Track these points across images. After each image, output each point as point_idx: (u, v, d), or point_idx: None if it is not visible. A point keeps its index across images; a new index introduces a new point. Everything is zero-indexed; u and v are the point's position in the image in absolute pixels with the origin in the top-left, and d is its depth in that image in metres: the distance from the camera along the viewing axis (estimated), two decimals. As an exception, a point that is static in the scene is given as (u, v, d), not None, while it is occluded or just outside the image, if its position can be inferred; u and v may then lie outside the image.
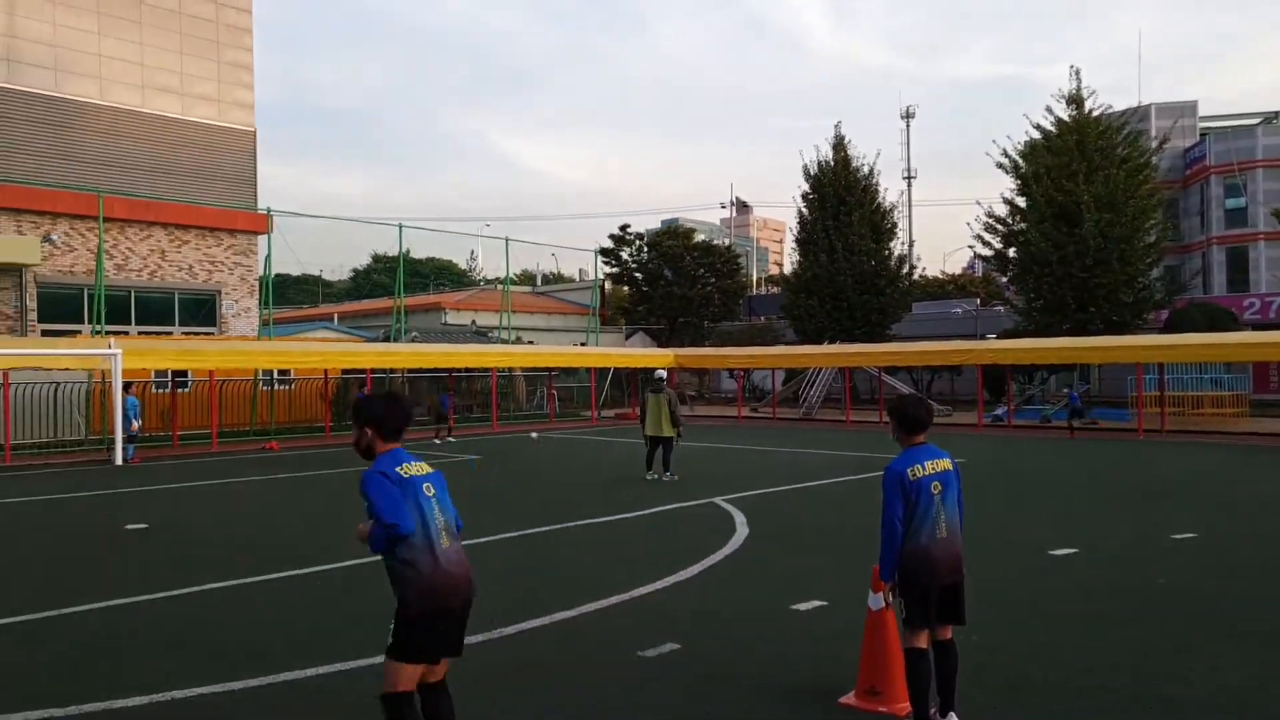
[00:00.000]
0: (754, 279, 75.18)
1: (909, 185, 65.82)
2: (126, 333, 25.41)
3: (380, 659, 3.73)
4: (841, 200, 36.83)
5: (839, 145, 37.83)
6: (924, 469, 4.44)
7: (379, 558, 3.75)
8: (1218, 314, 30.15)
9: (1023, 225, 31.88)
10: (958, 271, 61.20)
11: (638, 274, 50.07)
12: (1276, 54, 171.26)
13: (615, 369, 35.62)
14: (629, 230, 50.35)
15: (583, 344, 39.02)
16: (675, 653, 5.73)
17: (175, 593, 7.48)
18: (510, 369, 32.61)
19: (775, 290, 59.28)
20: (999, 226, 33.27)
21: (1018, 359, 26.18)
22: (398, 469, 3.70)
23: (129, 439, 19.13)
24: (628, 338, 47.06)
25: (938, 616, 4.41)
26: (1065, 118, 31.38)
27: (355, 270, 78.01)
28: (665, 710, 4.85)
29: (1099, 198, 29.38)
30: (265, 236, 29.14)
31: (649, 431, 14.62)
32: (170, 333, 27.35)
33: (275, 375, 27.47)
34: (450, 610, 3.69)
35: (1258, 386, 32.02)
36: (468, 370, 30.92)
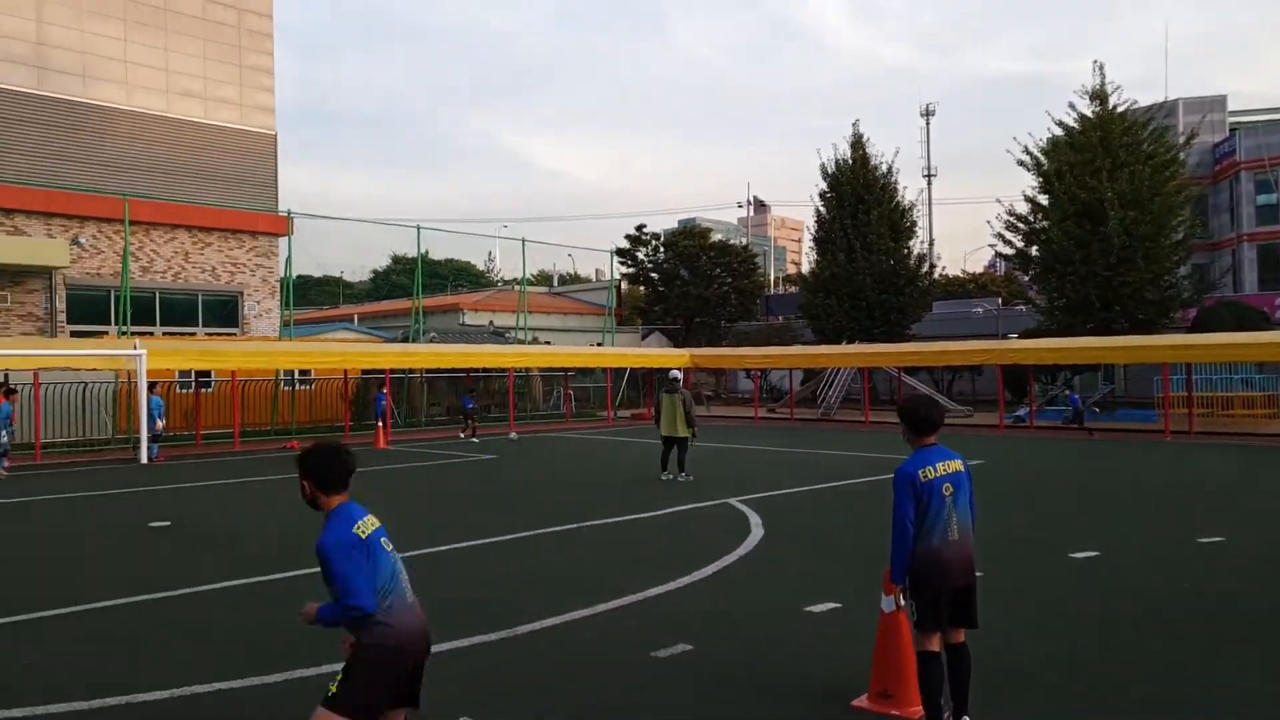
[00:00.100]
0: (771, 278, 75.02)
1: (929, 183, 65.48)
2: (151, 333, 25.73)
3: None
4: (860, 199, 36.71)
5: (857, 144, 37.72)
6: (936, 470, 4.43)
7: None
8: (1248, 313, 29.80)
9: (1045, 223, 31.64)
10: (978, 270, 60.85)
11: (654, 274, 50.12)
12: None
13: (631, 369, 35.69)
14: (645, 230, 50.42)
15: (599, 344, 39.11)
16: (688, 653, 5.77)
17: (197, 589, 7.61)
18: (527, 369, 32.75)
19: (793, 290, 59.16)
20: (1020, 225, 33.04)
21: (1040, 359, 25.98)
22: (354, 529, 3.48)
23: (154, 438, 19.38)
24: (644, 338, 47.11)
25: (950, 619, 4.41)
26: (1089, 114, 31.11)
27: (375, 271, 78.52)
28: (677, 710, 4.90)
29: (1124, 195, 29.10)
30: (286, 238, 29.42)
31: (664, 432, 14.65)
32: (194, 333, 27.67)
33: (296, 375, 27.73)
34: (411, 665, 3.51)
35: (1290, 387, 31.60)
36: (485, 370, 31.08)
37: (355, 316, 46.53)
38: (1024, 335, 32.17)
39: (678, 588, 7.49)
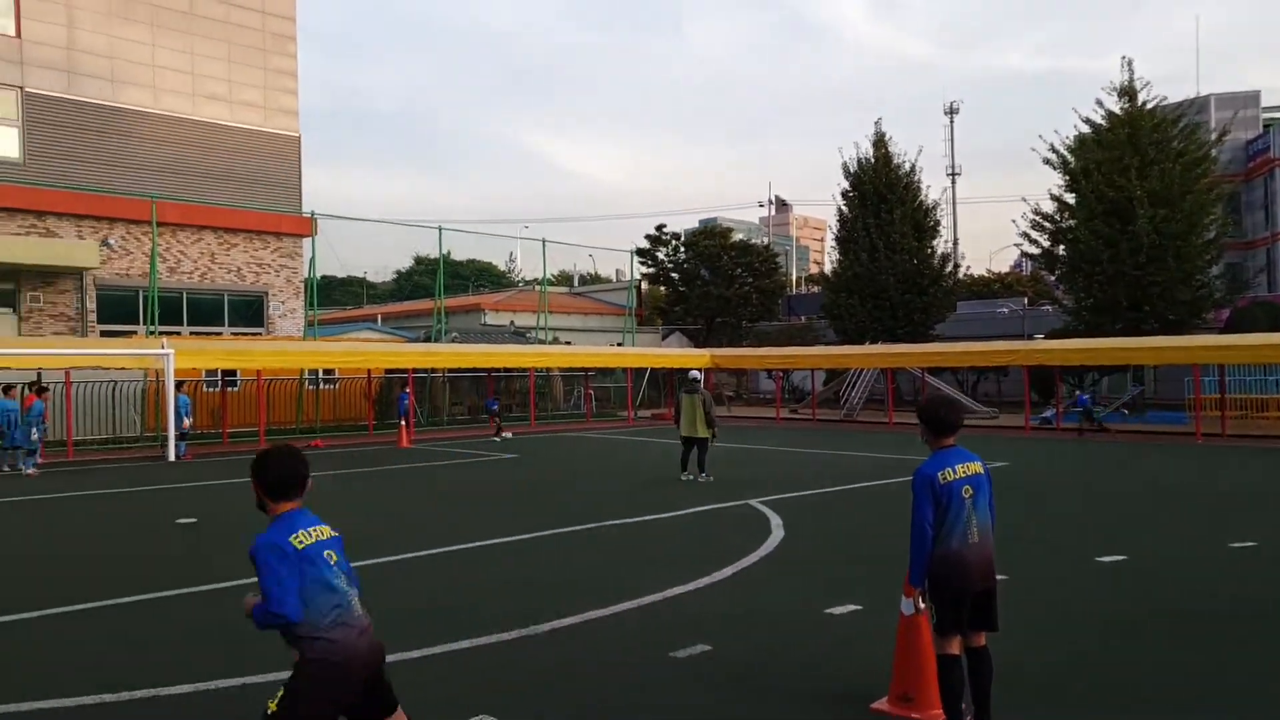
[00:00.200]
0: (794, 278, 74.74)
1: (953, 182, 65.01)
2: (179, 333, 26.02)
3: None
4: (882, 198, 36.50)
5: (879, 142, 37.50)
6: (955, 472, 4.40)
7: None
8: (1283, 313, 29.32)
9: (1072, 222, 31.31)
10: (1004, 270, 60.31)
11: (674, 274, 50.10)
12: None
13: (652, 369, 35.69)
14: (665, 230, 50.42)
15: (619, 344, 39.15)
16: (706, 654, 5.77)
17: (223, 585, 7.69)
18: (548, 369, 32.84)
19: (815, 289, 58.92)
20: (1047, 224, 32.69)
21: (1066, 359, 25.69)
22: (291, 538, 3.31)
23: (181, 436, 19.62)
24: (664, 338, 47.10)
25: (970, 622, 4.38)
26: (1117, 110, 30.74)
27: (398, 272, 78.99)
28: (695, 711, 4.89)
29: (1153, 193, 28.71)
30: (310, 239, 29.67)
31: (684, 432, 14.64)
32: (220, 333, 27.97)
33: (320, 375, 27.97)
34: (355, 684, 3.35)
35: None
36: (506, 370, 31.20)
37: (379, 316, 46.83)
38: (1050, 336, 31.86)
39: (697, 588, 7.48)
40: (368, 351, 26.09)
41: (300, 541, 3.32)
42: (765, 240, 63.40)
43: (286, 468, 3.47)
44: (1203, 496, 12.84)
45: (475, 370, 30.46)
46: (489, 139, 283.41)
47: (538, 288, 39.65)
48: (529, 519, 11.07)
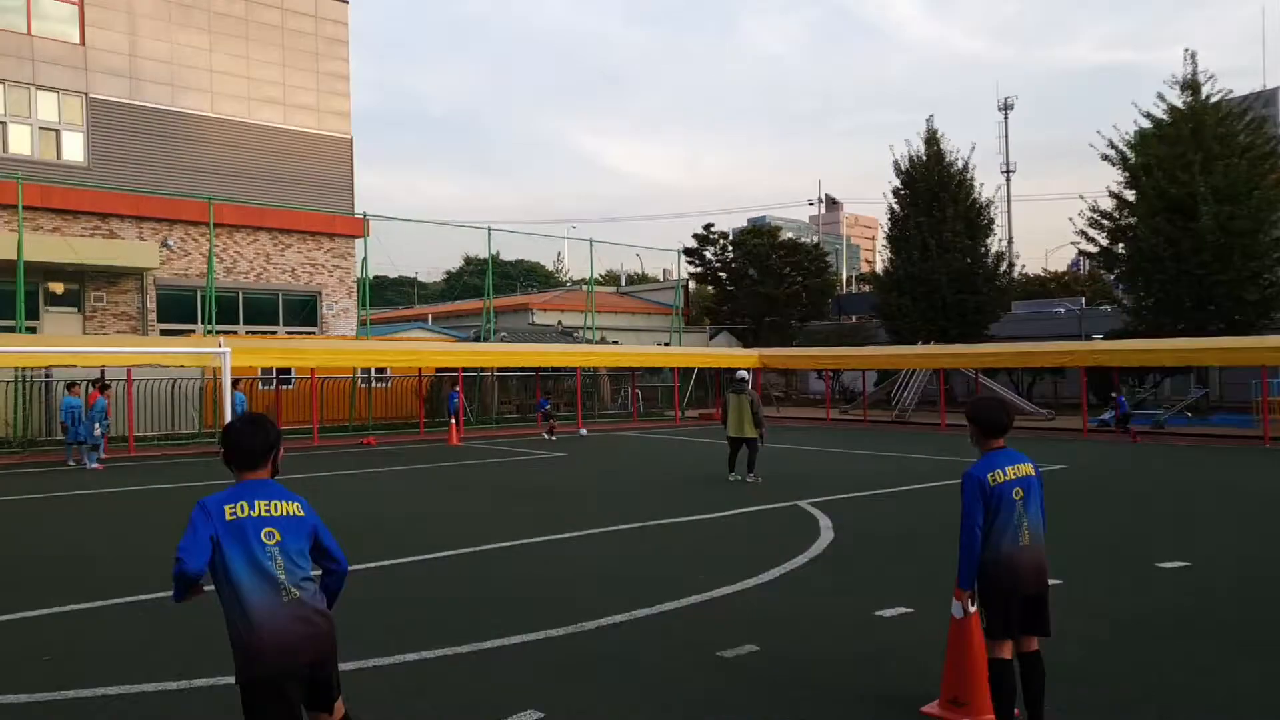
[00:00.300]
0: (844, 277, 74.00)
1: (1007, 180, 63.96)
2: (235, 332, 26.60)
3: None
4: (934, 196, 35.97)
5: (931, 139, 36.98)
6: (1005, 474, 4.32)
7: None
8: (1358, 312, 28.25)
9: (1132, 220, 30.54)
10: (1060, 269, 59.04)
11: (722, 273, 49.87)
12: None
13: (699, 369, 35.59)
14: (713, 229, 50.21)
15: (666, 344, 39.10)
16: (754, 654, 5.72)
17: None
18: (595, 368, 32.92)
19: (866, 289, 58.27)
20: (1105, 221, 31.94)
21: (1126, 360, 25.03)
22: (227, 506, 3.21)
23: (236, 434, 19.99)
24: (712, 338, 46.93)
25: (1022, 627, 4.30)
26: (1179, 105, 29.91)
27: (448, 272, 79.75)
28: (741, 710, 4.84)
29: (1218, 189, 27.86)
30: (362, 240, 30.11)
31: (731, 433, 14.55)
32: (275, 332, 28.51)
33: (373, 373, 28.37)
34: (285, 676, 3.18)
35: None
36: (554, 370, 31.35)
37: (429, 316, 47.37)
38: (1109, 336, 31.11)
39: (744, 588, 7.42)
40: (419, 350, 26.41)
41: (234, 513, 3.19)
42: (815, 239, 62.89)
43: (247, 439, 3.35)
44: (1271, 502, 12.41)
45: (523, 369, 30.66)
46: (538, 139, 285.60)
47: (585, 287, 39.77)
48: (576, 517, 11.09)
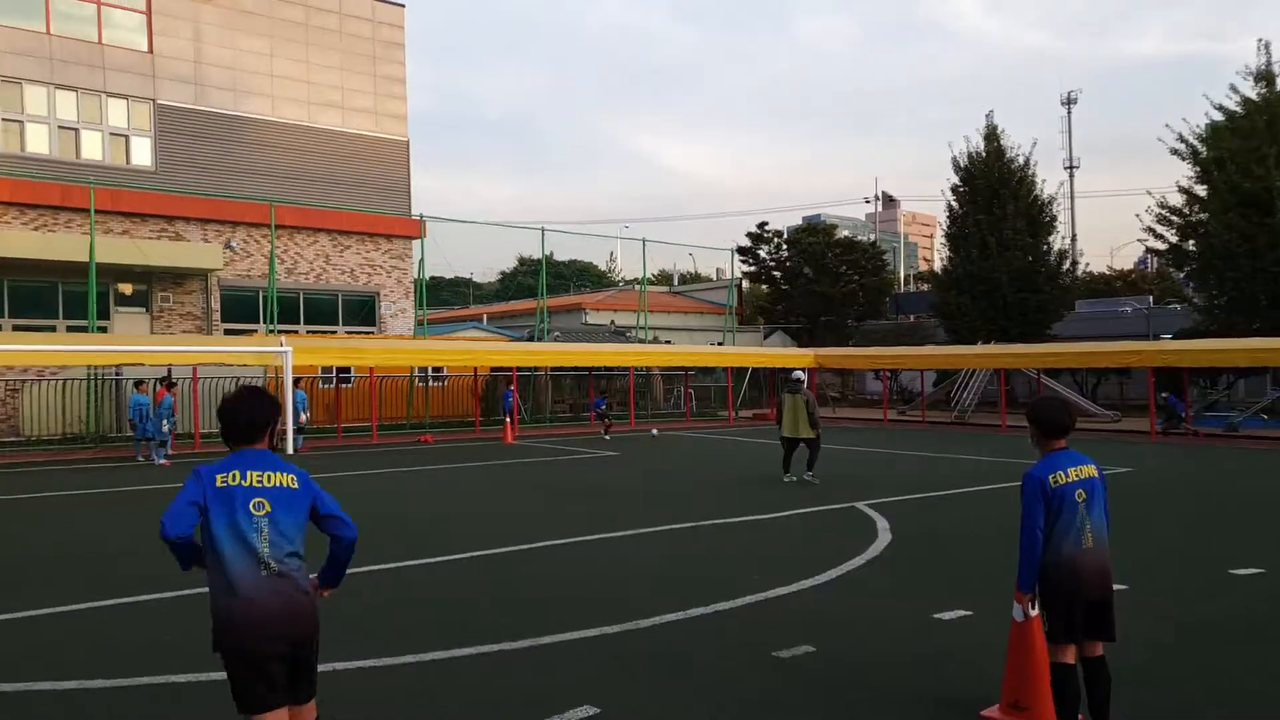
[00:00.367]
0: (901, 276, 72.97)
1: (1070, 175, 62.45)
2: (296, 331, 27.14)
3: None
4: (995, 193, 35.23)
5: (991, 135, 36.22)
6: (1067, 475, 4.21)
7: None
8: None
9: (1203, 216, 29.55)
10: (1127, 267, 57.45)
11: (776, 272, 49.47)
12: None
13: (753, 369, 35.35)
14: (767, 228, 49.83)
15: (719, 343, 38.93)
16: (810, 655, 5.64)
17: (351, 571, 7.91)
18: (647, 368, 32.91)
19: (924, 287, 57.37)
20: (1175, 218, 30.95)
21: (1196, 361, 24.17)
22: (219, 475, 3.20)
23: (298, 430, 20.42)
24: (766, 337, 46.60)
25: (1085, 631, 4.19)
26: (1253, 96, 28.87)
27: (503, 272, 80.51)
28: (797, 711, 4.79)
29: (1295, 183, 26.83)
30: (419, 241, 30.51)
31: (786, 433, 14.42)
32: (334, 332, 29.04)
33: (430, 372, 28.73)
34: (262, 651, 3.13)
35: None
36: (607, 369, 31.42)
37: (484, 316, 47.86)
38: (1179, 336, 30.16)
39: (800, 589, 7.33)
40: (474, 350, 26.68)
41: (225, 481, 3.19)
42: (872, 237, 62.11)
43: (242, 413, 3.32)
44: (1351, 506, 11.89)
45: (577, 369, 30.78)
46: (591, 139, 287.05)
47: (638, 287, 39.80)
48: (630, 516, 11.08)
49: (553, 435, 25.12)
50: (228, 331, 26.55)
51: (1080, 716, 4.25)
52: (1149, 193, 48.19)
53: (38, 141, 24.98)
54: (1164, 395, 25.18)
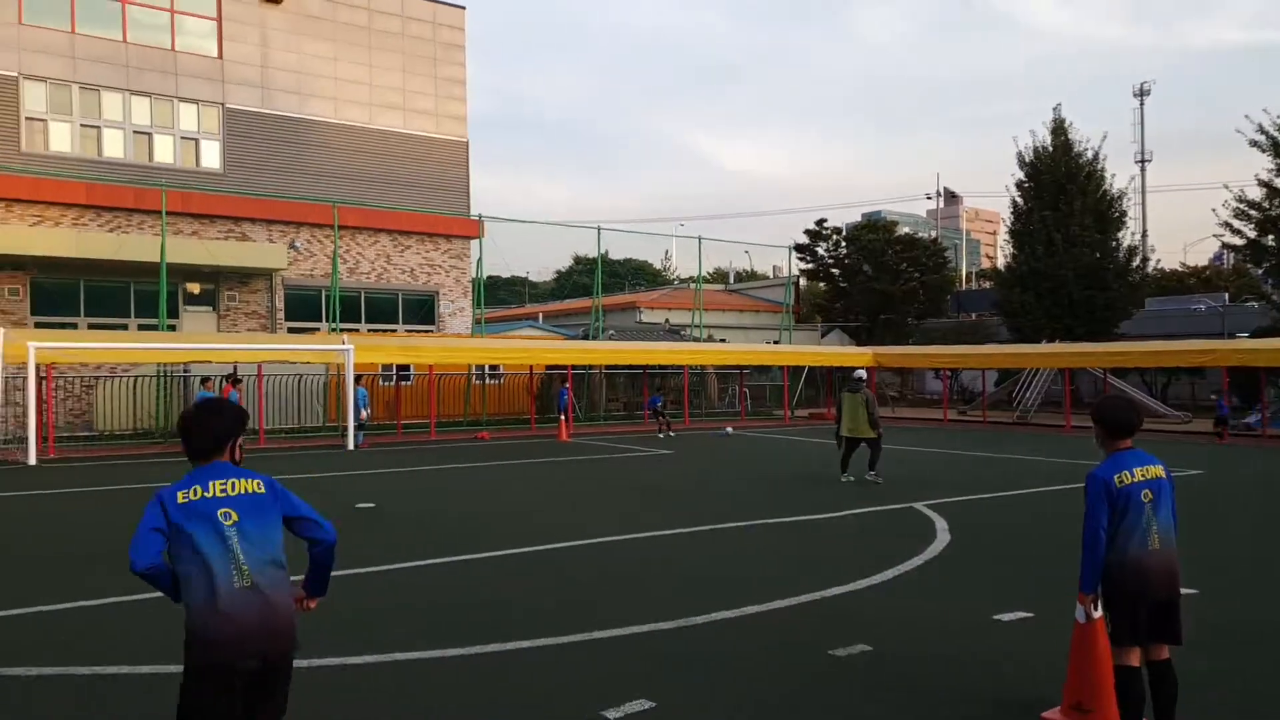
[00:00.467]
0: (963, 273, 71.62)
1: (1142, 169, 60.76)
2: (357, 330, 27.65)
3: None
4: (1061, 188, 34.38)
5: (1059, 129, 35.35)
6: (1133, 475, 4.11)
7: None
8: None
9: (1284, 209, 28.46)
10: (1201, 263, 55.61)
11: (834, 270, 48.92)
12: None
13: (810, 368, 35.03)
14: (825, 225, 49.27)
15: (776, 342, 38.63)
16: (866, 654, 5.58)
17: (400, 565, 8.08)
18: (702, 367, 32.80)
19: (986, 285, 56.24)
20: (1253, 212, 29.85)
21: (1273, 360, 23.29)
22: (180, 492, 3.05)
23: (359, 427, 20.81)
24: (823, 336, 46.13)
25: (1151, 634, 4.08)
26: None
27: (558, 272, 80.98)
28: (853, 709, 4.74)
29: (1384, 173, 25.68)
30: (477, 241, 30.85)
31: (845, 432, 14.25)
32: (394, 330, 29.51)
33: (486, 370, 29.04)
34: (234, 667, 2.97)
35: None
36: (662, 368, 31.42)
37: (540, 315, 48.22)
38: (1256, 334, 29.08)
39: (857, 589, 7.24)
40: (530, 349, 26.91)
41: (186, 496, 3.04)
42: (933, 234, 61.08)
43: (203, 427, 3.19)
44: None
45: (631, 367, 30.83)
46: (648, 138, 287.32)
47: (693, 285, 39.71)
48: (686, 513, 11.06)
49: (607, 433, 25.19)
50: (291, 330, 27.16)
51: (1145, 720, 4.13)
52: (1226, 186, 46.52)
53: (113, 146, 25.84)
54: (1212, 395, 24.39)
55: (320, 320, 27.92)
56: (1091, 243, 33.84)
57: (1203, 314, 37.79)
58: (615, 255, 72.56)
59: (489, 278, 37.68)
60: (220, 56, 27.19)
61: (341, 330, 25.48)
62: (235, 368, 21.24)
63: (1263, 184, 29.66)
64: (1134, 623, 4.06)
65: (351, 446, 20.20)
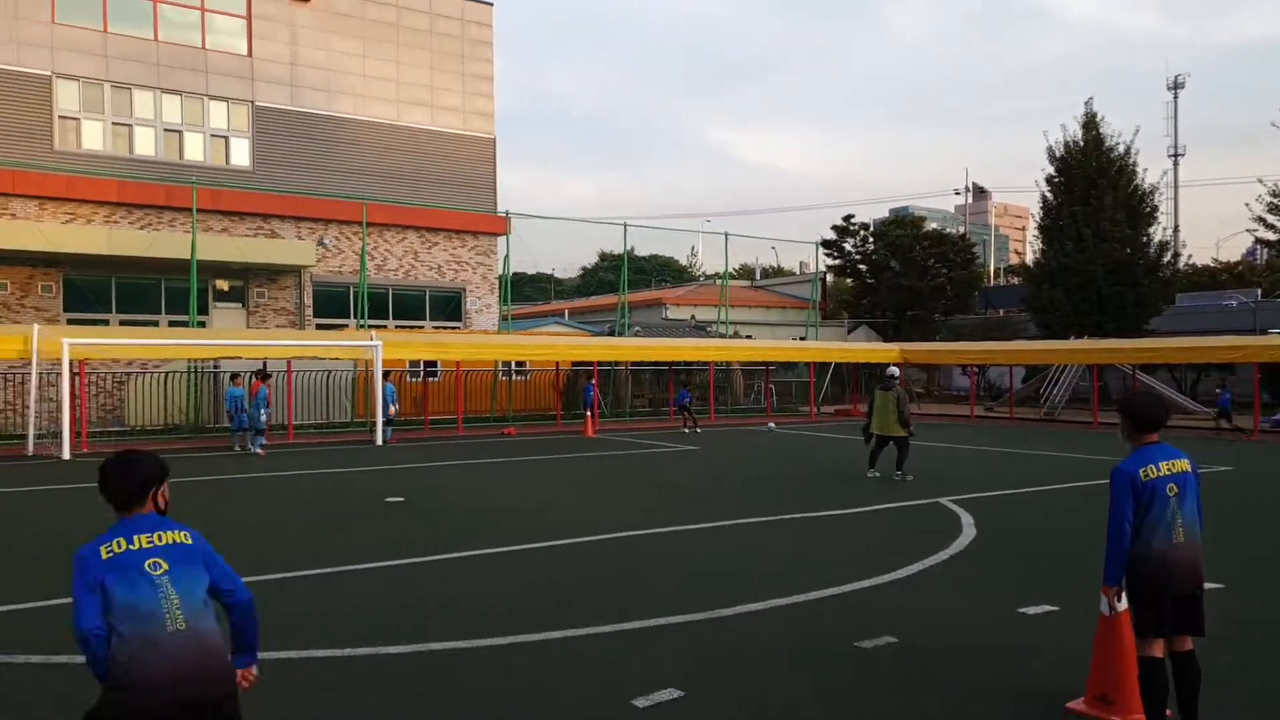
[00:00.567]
0: (992, 269, 70.98)
1: (1175, 164, 59.86)
2: (385, 326, 27.89)
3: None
4: (1092, 183, 33.98)
5: (1090, 124, 34.93)
6: (1159, 469, 4.14)
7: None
8: None
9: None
10: (1233, 259, 54.73)
11: (861, 266, 48.65)
12: None
13: (836, 364, 34.90)
14: (853, 221, 49.00)
15: (802, 338, 38.52)
16: (893, 645, 5.62)
17: (430, 558, 8.21)
18: (728, 363, 32.78)
19: (1015, 281, 55.72)
20: (1286, 206, 29.43)
21: (1306, 356, 22.97)
22: (102, 547, 2.95)
23: (387, 422, 21.00)
24: (850, 332, 45.91)
25: (1174, 626, 4.12)
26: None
27: (584, 268, 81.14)
28: (879, 699, 4.80)
29: None
30: (504, 238, 31.01)
31: (876, 429, 14.21)
32: (422, 326, 29.74)
33: (513, 366, 29.20)
34: (165, 716, 2.84)
35: None
36: (687, 364, 31.43)
37: (565, 311, 48.35)
38: (1287, 330, 28.65)
39: (883, 582, 7.27)
40: (556, 345, 27.02)
41: (110, 550, 2.94)
42: (961, 229, 60.57)
43: (112, 478, 3.09)
44: None
45: (657, 364, 30.88)
46: (674, 134, 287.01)
47: (719, 281, 39.67)
48: (713, 509, 11.11)
49: (633, 429, 25.26)
50: (319, 326, 27.44)
51: (1169, 712, 4.15)
52: (1260, 181, 45.75)
53: (145, 144, 26.22)
54: (1217, 390, 24.11)
55: (348, 317, 28.19)
56: (1122, 238, 33.45)
57: (1234, 310, 37.22)
58: (641, 252, 72.65)
59: (515, 274, 37.83)
60: (250, 54, 27.49)
61: (369, 326, 25.72)
62: (265, 363, 21.49)
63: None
64: (1158, 615, 4.08)
65: (380, 442, 20.40)
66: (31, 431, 18.53)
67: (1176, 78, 59.66)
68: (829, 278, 50.48)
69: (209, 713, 2.90)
